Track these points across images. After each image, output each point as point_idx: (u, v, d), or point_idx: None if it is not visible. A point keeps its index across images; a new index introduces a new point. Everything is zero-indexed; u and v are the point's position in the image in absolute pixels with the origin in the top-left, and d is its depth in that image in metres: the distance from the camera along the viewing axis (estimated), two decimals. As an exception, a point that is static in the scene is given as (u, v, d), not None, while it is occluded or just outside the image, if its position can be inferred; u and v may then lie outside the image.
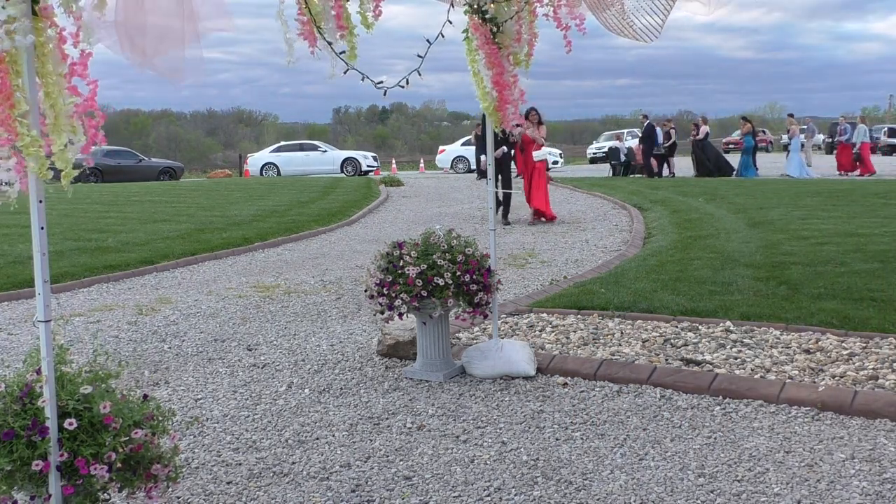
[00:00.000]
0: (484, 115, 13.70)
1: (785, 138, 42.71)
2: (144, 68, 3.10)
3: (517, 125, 5.10)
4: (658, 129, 25.33)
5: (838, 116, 31.73)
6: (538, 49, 5.06)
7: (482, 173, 14.37)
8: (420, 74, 4.45)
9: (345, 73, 3.89)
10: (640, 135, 26.47)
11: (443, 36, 4.50)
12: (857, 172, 25.08)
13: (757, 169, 24.49)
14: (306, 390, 5.10)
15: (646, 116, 26.65)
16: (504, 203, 14.37)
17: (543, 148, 14.07)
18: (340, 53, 3.82)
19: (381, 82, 4.31)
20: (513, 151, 14.16)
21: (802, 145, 25.70)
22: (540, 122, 13.86)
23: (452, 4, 4.69)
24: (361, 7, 3.87)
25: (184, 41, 3.10)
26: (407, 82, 4.42)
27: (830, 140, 36.39)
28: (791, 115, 27.25)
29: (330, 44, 3.73)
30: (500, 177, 13.65)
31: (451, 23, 4.56)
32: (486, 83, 4.89)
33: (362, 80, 4.08)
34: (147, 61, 3.08)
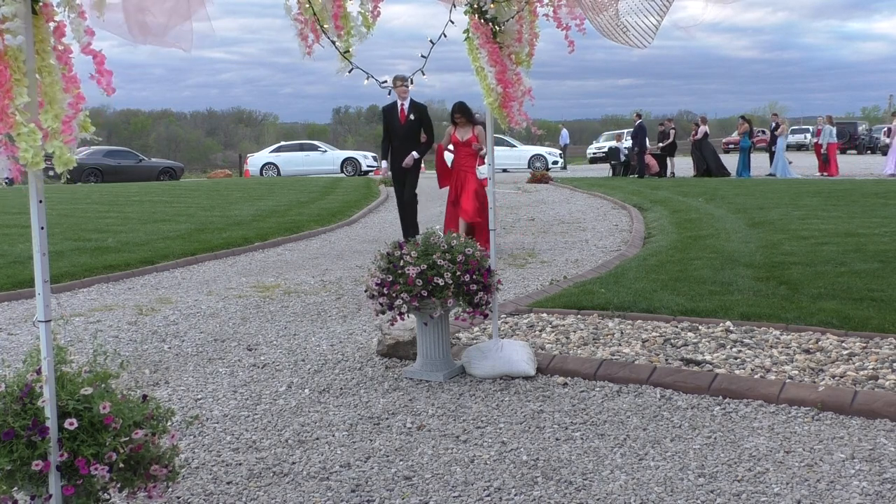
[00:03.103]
0: (383, 110, 10.74)
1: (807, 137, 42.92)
2: (150, 44, 3.09)
3: (523, 121, 5.09)
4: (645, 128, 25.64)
5: (816, 118, 31.94)
6: (541, 48, 5.07)
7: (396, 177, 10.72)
8: (423, 74, 4.46)
9: (349, 72, 3.90)
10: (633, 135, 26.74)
11: (445, 36, 4.51)
12: (827, 173, 25.05)
13: (749, 169, 24.56)
14: (306, 390, 5.10)
15: (639, 115, 26.81)
16: (406, 214, 10.77)
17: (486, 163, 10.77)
18: (344, 53, 3.83)
19: (385, 82, 4.32)
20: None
21: (788, 146, 25.73)
22: (472, 122, 10.06)
23: (454, 4, 4.69)
24: (362, 7, 3.87)
25: (189, 11, 3.09)
26: (411, 82, 4.43)
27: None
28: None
29: (333, 43, 3.75)
30: (405, 183, 10.59)
31: (452, 23, 4.57)
32: (491, 79, 4.89)
33: (367, 79, 4.10)
34: (155, 38, 3.07)
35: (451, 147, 10.20)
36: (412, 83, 4.44)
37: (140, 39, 3.06)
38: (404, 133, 10.39)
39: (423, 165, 10.94)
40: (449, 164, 10.32)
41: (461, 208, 9.84)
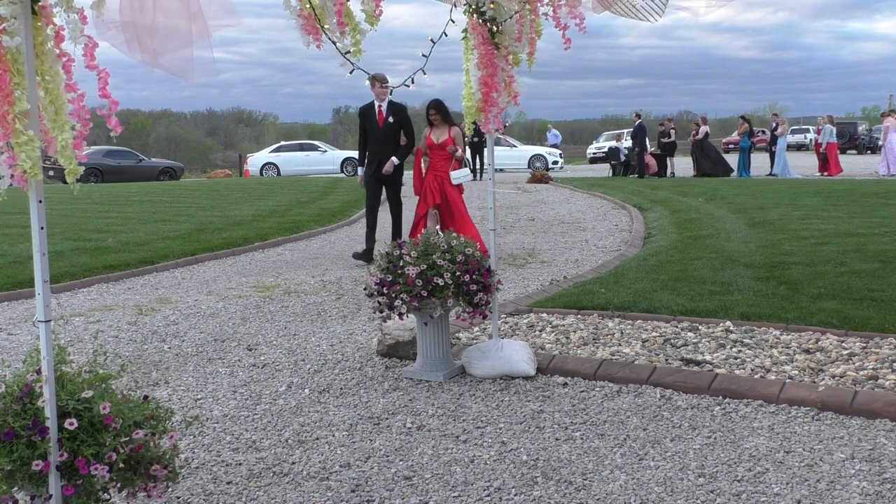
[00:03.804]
0: (359, 112, 9.83)
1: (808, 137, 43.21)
2: (153, 68, 3.11)
3: (496, 129, 5.11)
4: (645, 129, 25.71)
5: (816, 118, 32.03)
6: (541, 48, 5.07)
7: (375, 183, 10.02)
8: (425, 73, 4.46)
9: (350, 73, 3.90)
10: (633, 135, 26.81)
11: (446, 35, 4.51)
12: (827, 173, 25.02)
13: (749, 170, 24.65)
14: (306, 390, 5.10)
15: (638, 116, 26.86)
16: (394, 223, 10.27)
17: (464, 166, 9.60)
18: (346, 53, 3.82)
19: (386, 83, 4.33)
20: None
21: (788, 146, 25.75)
22: (448, 122, 9.45)
23: (455, 4, 4.69)
24: (365, 5, 3.86)
25: (191, 40, 3.11)
26: (412, 81, 4.42)
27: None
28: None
29: (334, 43, 3.74)
30: (385, 193, 10.15)
31: (453, 22, 4.57)
32: (473, 83, 4.92)
33: (368, 80, 4.10)
34: (156, 61, 3.08)
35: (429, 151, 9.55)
36: (413, 83, 4.43)
37: (141, 59, 3.07)
38: (382, 136, 9.70)
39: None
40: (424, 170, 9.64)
41: (467, 234, 8.37)
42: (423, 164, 9.62)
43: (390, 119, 9.65)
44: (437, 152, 9.42)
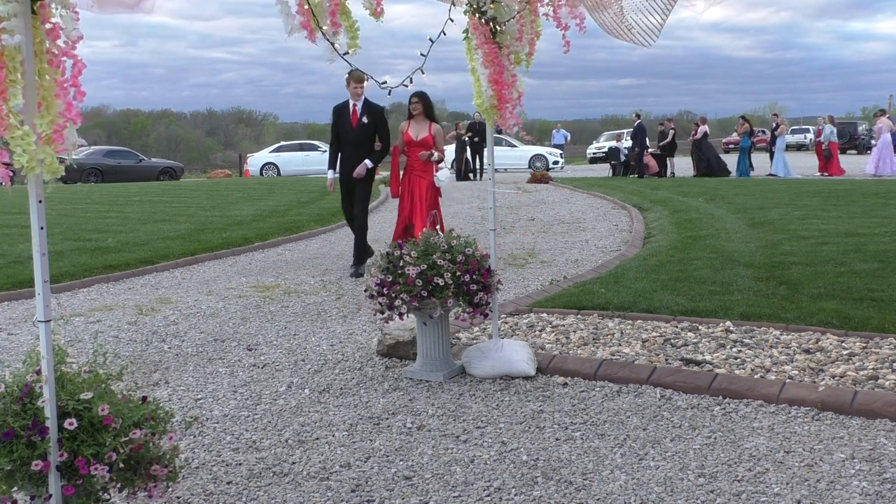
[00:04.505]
0: (333, 110, 9.09)
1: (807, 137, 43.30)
2: (112, 12, 3.07)
3: (514, 125, 5.11)
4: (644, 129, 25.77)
5: (816, 118, 32.10)
6: (541, 48, 5.08)
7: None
8: (423, 73, 4.45)
9: (349, 73, 3.89)
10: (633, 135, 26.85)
11: (444, 34, 4.50)
12: (827, 173, 25.01)
13: (753, 168, 24.66)
14: (306, 390, 5.10)
15: (638, 116, 26.90)
16: (356, 234, 9.42)
17: (444, 167, 8.97)
18: (344, 54, 3.81)
19: (385, 82, 4.32)
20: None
21: (788, 146, 25.78)
22: (430, 118, 8.86)
23: (454, 3, 4.69)
24: (367, 4, 3.85)
25: None
26: (411, 81, 4.41)
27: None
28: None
29: (333, 43, 3.73)
30: (356, 195, 9.28)
31: (452, 21, 4.56)
32: (483, 82, 4.92)
33: (365, 80, 4.09)
34: (123, 5, 3.05)
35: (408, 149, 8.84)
36: (411, 83, 4.42)
37: (100, 7, 3.04)
38: (356, 138, 9.02)
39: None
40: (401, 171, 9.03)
41: (416, 229, 8.33)
42: (399, 166, 9.03)
43: (364, 119, 9.03)
44: (415, 150, 8.72)
